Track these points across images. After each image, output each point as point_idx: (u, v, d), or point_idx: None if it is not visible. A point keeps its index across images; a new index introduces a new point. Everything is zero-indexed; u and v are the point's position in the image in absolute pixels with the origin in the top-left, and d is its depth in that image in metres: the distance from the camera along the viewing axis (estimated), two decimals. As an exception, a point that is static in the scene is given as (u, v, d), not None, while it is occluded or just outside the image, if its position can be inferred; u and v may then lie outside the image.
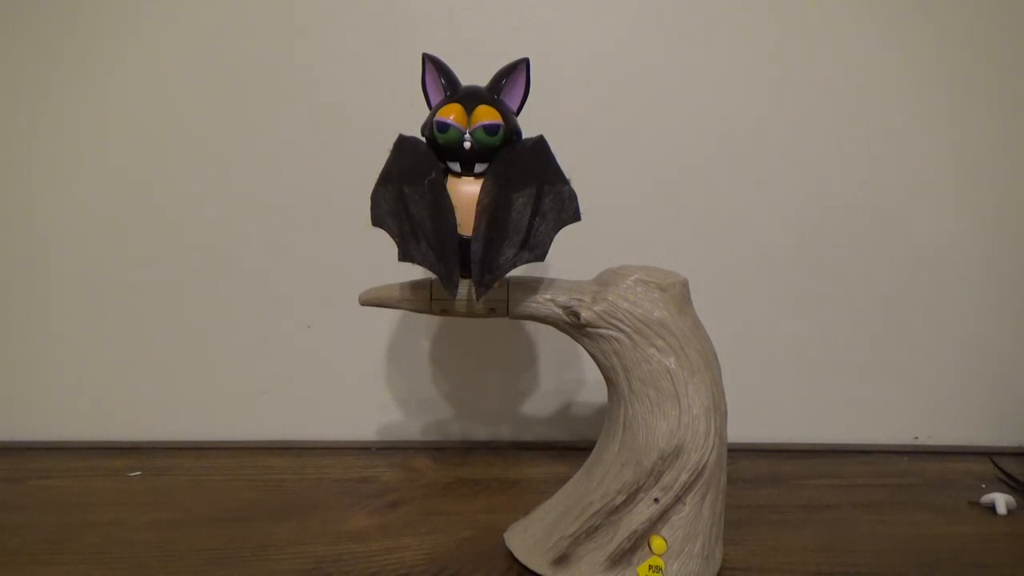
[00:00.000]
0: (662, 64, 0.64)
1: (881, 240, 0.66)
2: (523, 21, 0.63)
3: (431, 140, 0.41)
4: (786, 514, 0.52)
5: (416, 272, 0.44)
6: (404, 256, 0.39)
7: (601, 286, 0.44)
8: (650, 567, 0.40)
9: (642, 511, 0.40)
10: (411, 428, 0.69)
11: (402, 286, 0.45)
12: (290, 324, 0.67)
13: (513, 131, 0.42)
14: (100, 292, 0.66)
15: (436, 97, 0.42)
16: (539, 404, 0.69)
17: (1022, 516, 0.52)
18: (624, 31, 0.64)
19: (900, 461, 0.63)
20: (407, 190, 0.40)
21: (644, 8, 0.63)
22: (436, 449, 0.65)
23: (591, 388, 0.68)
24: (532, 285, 0.44)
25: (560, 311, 0.43)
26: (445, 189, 0.40)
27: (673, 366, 0.41)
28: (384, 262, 0.46)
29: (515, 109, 0.43)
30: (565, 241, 0.43)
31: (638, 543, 0.41)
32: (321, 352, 0.67)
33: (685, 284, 0.44)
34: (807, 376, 0.68)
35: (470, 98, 0.41)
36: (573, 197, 0.42)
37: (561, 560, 0.42)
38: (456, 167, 0.41)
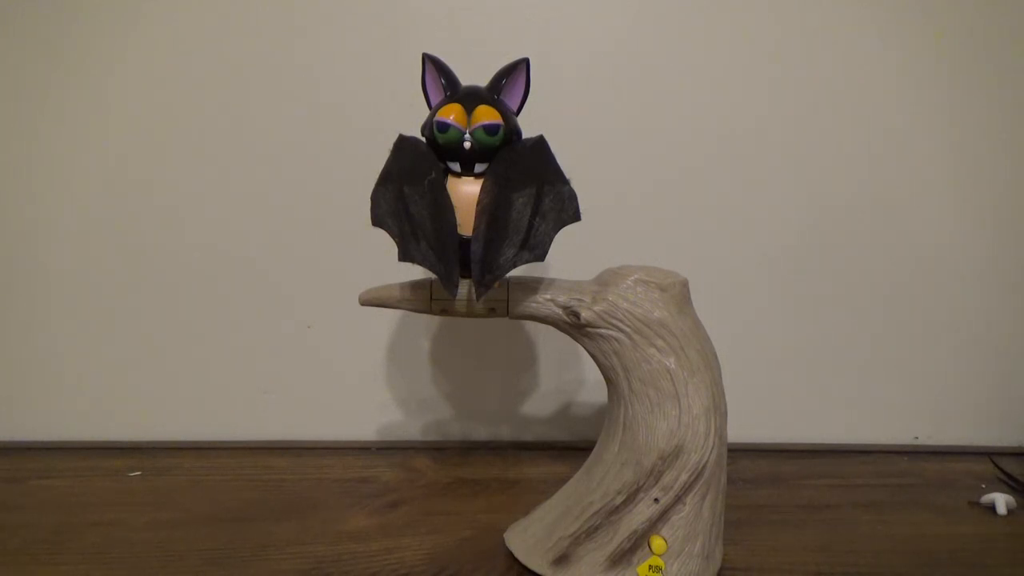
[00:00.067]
0: (662, 64, 0.64)
1: (881, 240, 0.66)
2: (523, 21, 0.63)
3: (431, 140, 0.41)
4: (786, 514, 0.52)
5: (416, 272, 0.44)
6: (404, 256, 0.39)
7: (601, 286, 0.44)
8: (650, 567, 0.40)
9: (642, 511, 0.40)
10: (411, 428, 0.69)
11: (402, 286, 0.45)
12: (290, 324, 0.67)
13: (513, 131, 0.42)
14: (100, 292, 0.66)
15: (436, 97, 0.42)
16: (539, 404, 0.69)
17: (1022, 516, 0.52)
18: (624, 31, 0.64)
19: (900, 461, 0.63)
20: (407, 190, 0.40)
21: (644, 8, 0.63)
22: (436, 449, 0.65)
23: (591, 388, 0.68)
24: (532, 285, 0.44)
25: (560, 311, 0.43)
26: (445, 189, 0.40)
27: (673, 366, 0.41)
28: (384, 262, 0.46)
29: (515, 109, 0.43)
30: (565, 241, 0.43)
31: (638, 543, 0.41)
32: (321, 352, 0.67)
33: (685, 284, 0.44)
34: (807, 376, 0.68)
35: (470, 98, 0.41)
36: (573, 197, 0.42)
37: (561, 560, 0.42)
38: (456, 167, 0.41)
